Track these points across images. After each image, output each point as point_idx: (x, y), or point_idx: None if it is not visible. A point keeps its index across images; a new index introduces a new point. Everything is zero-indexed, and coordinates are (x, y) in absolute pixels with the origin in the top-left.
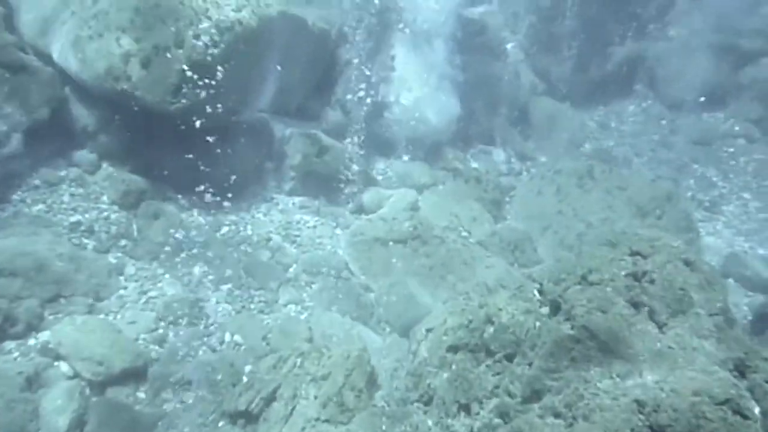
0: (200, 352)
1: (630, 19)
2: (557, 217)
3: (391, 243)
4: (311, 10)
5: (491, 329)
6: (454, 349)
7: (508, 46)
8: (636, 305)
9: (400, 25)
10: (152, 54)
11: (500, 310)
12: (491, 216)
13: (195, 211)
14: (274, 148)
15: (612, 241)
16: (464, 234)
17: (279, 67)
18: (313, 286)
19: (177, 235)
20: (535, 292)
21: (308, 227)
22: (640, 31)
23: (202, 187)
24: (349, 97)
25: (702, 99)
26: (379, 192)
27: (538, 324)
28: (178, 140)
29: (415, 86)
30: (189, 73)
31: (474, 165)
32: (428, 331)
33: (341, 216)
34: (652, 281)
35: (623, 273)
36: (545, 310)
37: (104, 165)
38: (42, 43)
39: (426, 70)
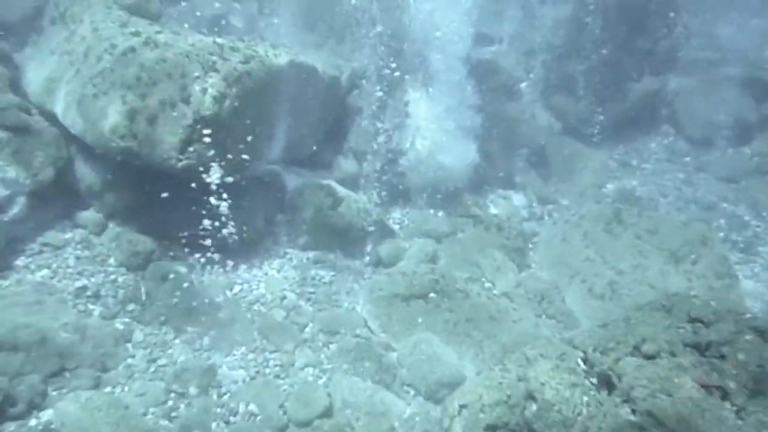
0: (213, 426)
1: (645, 55)
2: (585, 264)
3: (412, 298)
4: (321, 55)
5: (534, 406)
6: (492, 428)
7: (522, 85)
8: (705, 385)
9: (413, 69)
10: (158, 110)
11: (543, 384)
12: (515, 265)
13: (205, 271)
14: (286, 201)
15: (665, 305)
16: (488, 285)
17: (289, 117)
18: (331, 346)
19: (187, 297)
20: (580, 362)
21: (324, 283)
22: (657, 66)
23: (212, 245)
24: (362, 144)
25: (726, 133)
26: (396, 243)
27: (585, 399)
28: (187, 197)
29: (430, 131)
30: (197, 129)
31: (494, 211)
32: (462, 407)
33: (358, 270)
34: (721, 356)
35: (683, 343)
36: (592, 381)
37: (111, 225)
38: (47, 102)
39: (440, 114)
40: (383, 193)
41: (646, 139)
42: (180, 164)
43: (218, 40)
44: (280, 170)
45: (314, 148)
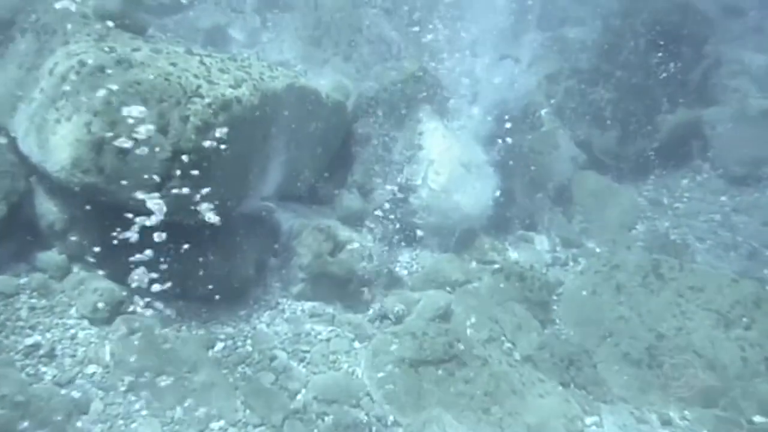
0: None
1: (678, 84)
2: (618, 323)
3: (421, 365)
4: (325, 74)
5: None
6: None
7: (542, 112)
8: None
9: (426, 96)
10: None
11: None
12: (538, 322)
13: (183, 325)
14: (280, 243)
15: None
16: (508, 345)
17: (287, 147)
18: (326, 418)
19: (160, 357)
20: None
21: (320, 340)
22: (689, 95)
23: (192, 294)
24: (368, 178)
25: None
26: (404, 295)
27: None
28: (163, 239)
29: (445, 166)
30: (175, 164)
31: (514, 255)
32: None
33: (360, 326)
34: None
35: None
36: None
37: (75, 269)
38: (9, 123)
39: (456, 147)
40: (391, 235)
41: (677, 174)
42: (155, 205)
43: (205, 59)
44: (275, 207)
45: (314, 181)
